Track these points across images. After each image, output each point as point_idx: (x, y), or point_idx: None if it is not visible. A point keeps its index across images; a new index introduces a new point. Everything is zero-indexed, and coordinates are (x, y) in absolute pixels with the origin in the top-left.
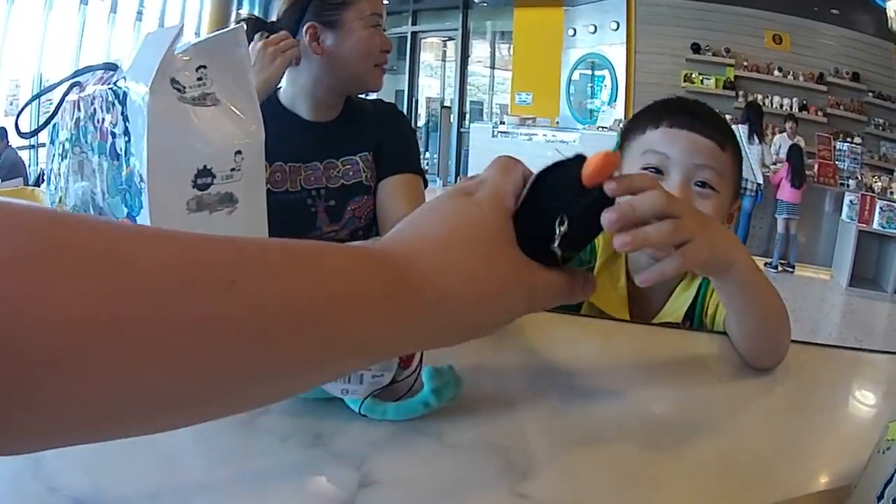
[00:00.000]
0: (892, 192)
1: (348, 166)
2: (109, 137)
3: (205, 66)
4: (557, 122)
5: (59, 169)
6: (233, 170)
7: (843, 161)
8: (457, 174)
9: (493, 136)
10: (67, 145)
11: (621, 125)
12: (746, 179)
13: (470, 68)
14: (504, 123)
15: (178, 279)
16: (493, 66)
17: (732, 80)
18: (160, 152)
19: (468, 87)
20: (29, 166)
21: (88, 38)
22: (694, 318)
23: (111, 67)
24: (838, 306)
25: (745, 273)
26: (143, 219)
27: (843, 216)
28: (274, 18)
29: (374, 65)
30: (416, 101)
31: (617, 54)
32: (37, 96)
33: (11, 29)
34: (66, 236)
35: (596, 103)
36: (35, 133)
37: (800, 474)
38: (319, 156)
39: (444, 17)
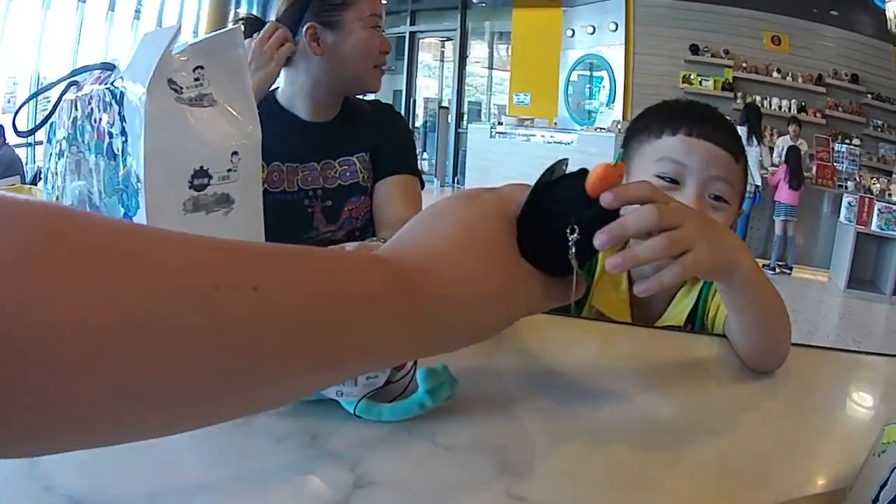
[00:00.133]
0: (890, 194)
1: (345, 167)
2: (106, 137)
3: (202, 67)
4: (556, 123)
5: (56, 168)
6: (229, 170)
7: (842, 162)
8: (454, 175)
9: (491, 136)
10: (64, 144)
11: (619, 126)
12: None
13: (468, 69)
14: (502, 124)
15: (203, 282)
16: (491, 67)
17: (731, 81)
18: (157, 153)
19: (466, 87)
20: (26, 164)
21: (86, 36)
22: (696, 322)
23: (108, 67)
24: (836, 308)
25: (749, 275)
26: (140, 219)
27: (842, 218)
28: (273, 18)
29: (373, 66)
30: (414, 102)
31: (615, 55)
32: (34, 95)
33: (9, 27)
34: (73, 234)
35: (594, 104)
36: (32, 132)
37: (797, 476)
38: (317, 156)
39: (442, 18)
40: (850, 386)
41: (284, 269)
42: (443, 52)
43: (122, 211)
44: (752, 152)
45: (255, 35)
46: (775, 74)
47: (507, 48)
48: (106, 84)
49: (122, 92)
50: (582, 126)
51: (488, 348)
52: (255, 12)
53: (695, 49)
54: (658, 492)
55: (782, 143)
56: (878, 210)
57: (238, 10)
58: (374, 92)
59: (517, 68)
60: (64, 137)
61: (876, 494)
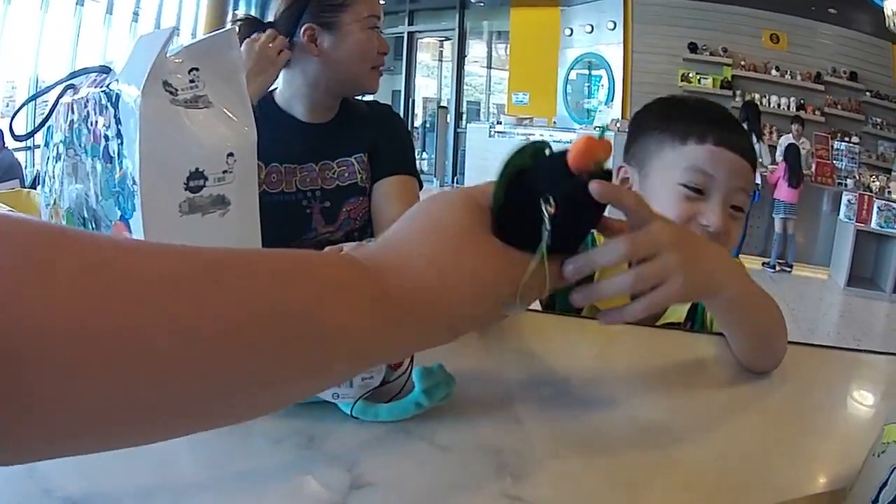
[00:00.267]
0: (889, 192)
1: (343, 167)
2: (102, 140)
3: (197, 69)
4: (555, 122)
5: (53, 171)
6: (225, 172)
7: (841, 160)
8: (454, 174)
9: (489, 136)
10: (61, 148)
11: (618, 125)
12: None
13: (467, 68)
14: (501, 123)
15: (166, 280)
16: (489, 66)
17: (730, 79)
18: (152, 155)
19: (465, 87)
20: (25, 168)
21: (84, 39)
22: (696, 319)
23: (105, 70)
24: (836, 306)
25: (734, 297)
26: (136, 221)
27: (841, 215)
28: (271, 19)
29: (371, 67)
30: (413, 102)
31: (614, 54)
32: (31, 98)
33: (7, 30)
34: (60, 247)
35: (593, 103)
36: (30, 135)
37: (797, 476)
38: (315, 157)
39: (440, 17)
40: (851, 385)
41: (246, 263)
42: (441, 52)
43: (119, 214)
44: None
45: (253, 35)
46: (774, 72)
47: (506, 47)
48: (102, 87)
49: (117, 94)
50: (581, 125)
51: (487, 347)
52: (253, 13)
53: (693, 47)
54: (657, 492)
55: (785, 141)
56: (878, 208)
57: (236, 12)
58: (372, 93)
59: (516, 68)
60: (61, 141)
61: (876, 495)
